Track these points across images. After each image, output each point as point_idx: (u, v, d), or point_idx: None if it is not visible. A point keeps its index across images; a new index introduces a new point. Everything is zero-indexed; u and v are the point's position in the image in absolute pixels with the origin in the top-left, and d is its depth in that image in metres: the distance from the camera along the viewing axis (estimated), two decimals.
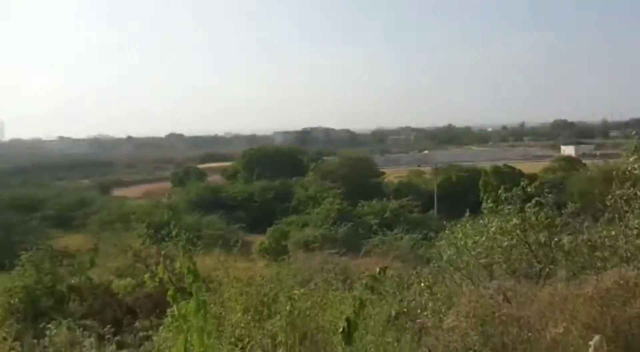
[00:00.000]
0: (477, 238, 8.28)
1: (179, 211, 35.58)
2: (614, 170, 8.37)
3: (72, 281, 9.92)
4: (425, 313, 7.17)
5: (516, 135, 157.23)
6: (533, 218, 8.78)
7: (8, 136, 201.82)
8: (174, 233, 3.70)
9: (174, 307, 2.95)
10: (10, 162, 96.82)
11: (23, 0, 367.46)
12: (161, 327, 7.01)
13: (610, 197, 8.07)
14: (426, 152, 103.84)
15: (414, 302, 7.72)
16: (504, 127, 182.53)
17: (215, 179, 65.65)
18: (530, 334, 5.41)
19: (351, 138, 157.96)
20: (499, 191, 9.30)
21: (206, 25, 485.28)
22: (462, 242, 9.03)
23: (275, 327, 6.69)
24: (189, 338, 2.89)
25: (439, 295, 7.72)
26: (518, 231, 8.74)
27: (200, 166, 75.20)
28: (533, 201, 8.94)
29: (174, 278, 2.99)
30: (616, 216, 8.04)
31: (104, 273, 11.01)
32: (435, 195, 47.59)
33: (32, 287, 9.15)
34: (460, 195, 45.74)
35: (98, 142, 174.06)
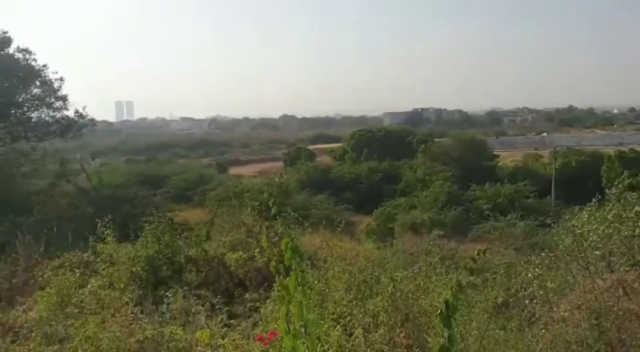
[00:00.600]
0: (593, 226, 7.69)
1: (290, 190, 36.59)
2: None
3: (189, 252, 10.50)
4: (535, 302, 6.85)
5: None
6: None
7: (137, 115, 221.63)
8: (273, 211, 3.81)
9: (277, 280, 3.09)
10: (138, 141, 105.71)
11: None
12: (268, 300, 7.30)
13: None
14: (544, 134, 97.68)
15: (523, 290, 7.39)
16: (632, 109, 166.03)
17: (324, 159, 66.66)
18: None
19: (464, 119, 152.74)
20: (622, 177, 8.55)
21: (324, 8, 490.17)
22: (581, 231, 8.44)
23: (378, 308, 6.75)
24: (290, 310, 3.01)
25: (550, 284, 7.32)
26: None
27: (311, 147, 76.65)
28: None
29: (279, 253, 3.13)
30: None
31: (219, 246, 11.57)
32: (552, 180, 44.83)
33: (153, 257, 9.67)
34: (581, 181, 42.93)
35: (216, 123, 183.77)
